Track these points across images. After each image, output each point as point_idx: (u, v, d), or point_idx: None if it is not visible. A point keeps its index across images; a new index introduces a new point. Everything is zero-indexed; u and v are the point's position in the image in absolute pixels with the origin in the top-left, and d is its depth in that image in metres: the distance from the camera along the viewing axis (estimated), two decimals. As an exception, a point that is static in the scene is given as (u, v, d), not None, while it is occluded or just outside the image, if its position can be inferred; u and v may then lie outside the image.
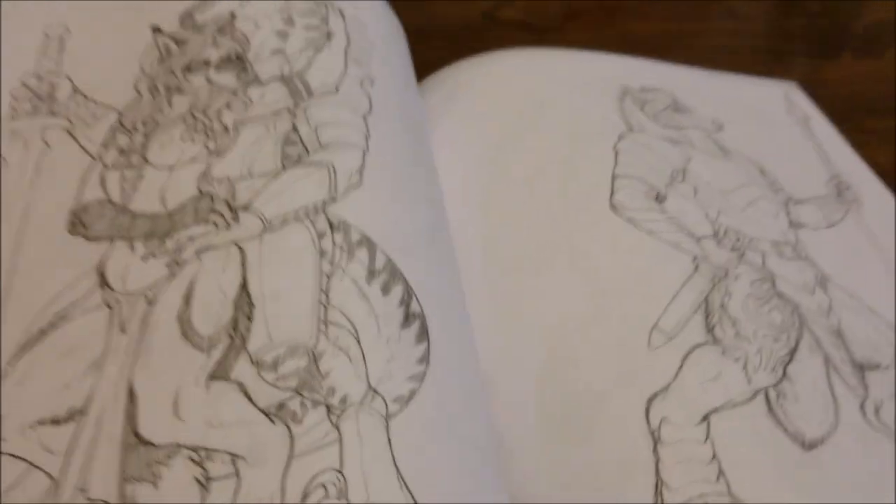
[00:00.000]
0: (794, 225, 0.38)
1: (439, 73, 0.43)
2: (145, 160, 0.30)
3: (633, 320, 0.32)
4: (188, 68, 0.33)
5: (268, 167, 0.30)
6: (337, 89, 0.34)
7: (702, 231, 0.36)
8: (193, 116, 0.31)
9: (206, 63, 0.33)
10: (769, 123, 0.45)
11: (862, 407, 0.30)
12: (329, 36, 0.36)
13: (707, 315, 0.32)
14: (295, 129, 0.31)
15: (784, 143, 0.44)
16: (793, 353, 0.31)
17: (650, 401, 0.29)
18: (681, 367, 0.30)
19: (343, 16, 0.37)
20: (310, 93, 0.33)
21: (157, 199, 0.29)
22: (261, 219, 0.28)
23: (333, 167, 0.30)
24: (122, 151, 0.31)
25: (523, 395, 0.30)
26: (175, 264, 0.27)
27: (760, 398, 0.29)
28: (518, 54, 0.44)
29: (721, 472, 0.27)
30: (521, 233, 0.35)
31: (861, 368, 0.32)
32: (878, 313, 0.34)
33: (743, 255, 0.35)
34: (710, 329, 0.31)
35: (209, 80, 0.33)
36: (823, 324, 0.33)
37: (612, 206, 0.36)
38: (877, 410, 0.30)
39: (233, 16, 0.35)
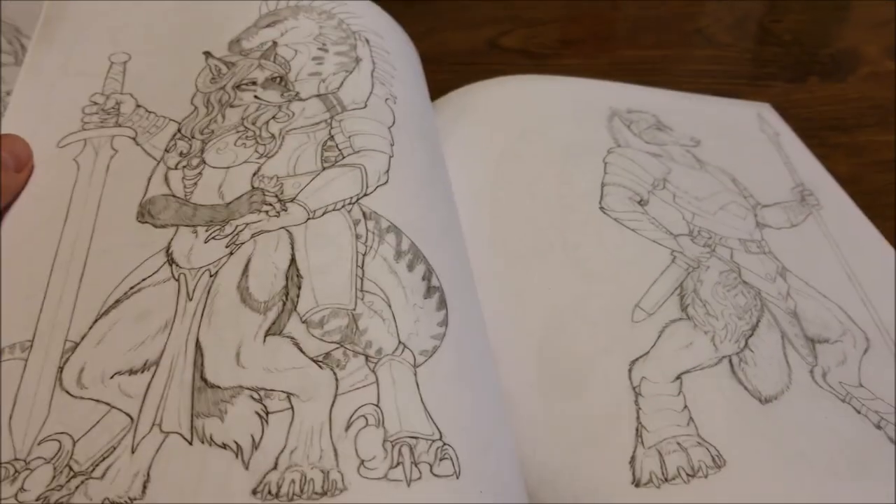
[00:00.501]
0: (760, 225, 0.43)
1: (449, 94, 0.49)
2: (204, 162, 0.35)
3: (618, 300, 0.37)
4: (238, 87, 0.39)
5: (310, 167, 0.35)
6: (366, 105, 0.39)
7: (679, 230, 0.41)
8: (245, 126, 0.37)
9: (254, 82, 0.39)
10: (742, 139, 0.51)
11: (811, 372, 0.35)
12: (357, 61, 0.41)
13: (682, 297, 0.37)
14: (332, 137, 0.36)
15: (755, 156, 0.50)
16: (754, 328, 0.36)
17: (632, 363, 0.34)
18: (658, 337, 0.35)
19: (369, 44, 0.43)
20: (343, 108, 0.38)
21: (216, 193, 0.34)
22: (305, 209, 0.33)
23: (365, 168, 0.35)
24: (182, 155, 0.36)
25: (525, 360, 0.34)
26: (234, 245, 0.32)
27: (725, 363, 0.34)
28: (519, 80, 0.50)
29: (691, 419, 0.32)
30: (522, 230, 0.40)
31: (812, 342, 0.37)
32: (830, 298, 0.39)
33: (714, 249, 0.40)
34: (684, 308, 0.36)
35: (257, 97, 0.38)
36: (781, 306, 0.38)
37: (601, 208, 0.41)
38: (824, 375, 0.35)
39: (275, 44, 0.41)
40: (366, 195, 0.34)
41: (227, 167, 0.35)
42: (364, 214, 0.33)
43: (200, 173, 0.35)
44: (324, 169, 0.35)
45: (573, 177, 0.43)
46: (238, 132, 0.36)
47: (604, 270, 0.38)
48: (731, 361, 0.35)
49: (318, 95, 0.39)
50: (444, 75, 0.53)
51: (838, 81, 0.61)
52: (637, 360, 0.34)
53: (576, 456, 0.31)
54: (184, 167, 0.35)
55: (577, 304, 0.36)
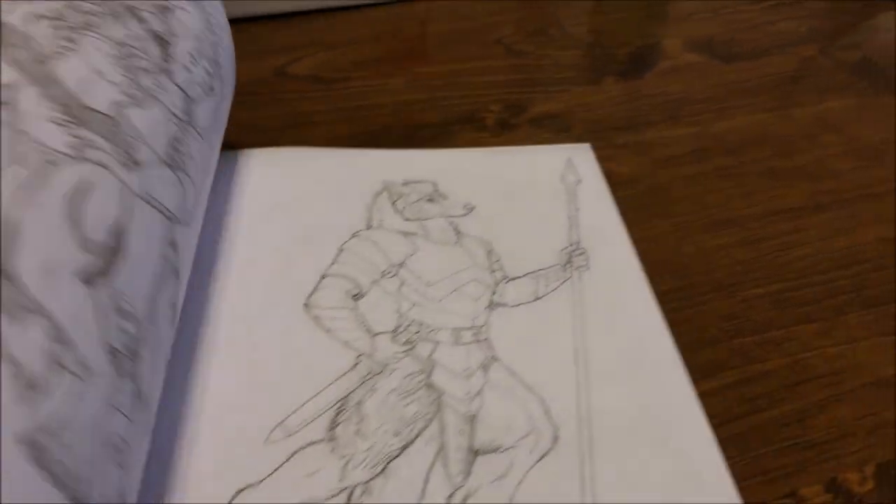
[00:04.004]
0: (494, 305, 0.37)
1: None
2: None
3: (263, 416, 0.31)
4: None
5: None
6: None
7: (382, 327, 0.35)
8: None
9: None
10: (531, 196, 0.44)
11: (450, 497, 0.29)
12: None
13: (338, 413, 0.32)
14: None
15: (538, 214, 0.43)
16: (406, 447, 0.31)
17: (239, 492, 0.29)
18: (284, 463, 0.30)
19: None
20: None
21: None
22: None
23: None
24: None
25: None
26: None
27: (343, 496, 0.29)
28: (289, 153, 0.45)
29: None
30: (215, 319, 0.35)
31: (475, 455, 0.31)
32: (534, 390, 0.33)
33: (413, 347, 0.34)
34: (333, 427, 0.31)
35: None
36: (462, 409, 0.32)
37: (305, 305, 0.36)
38: (466, 497, 0.29)
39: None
40: None
41: None
42: None
43: None
44: None
45: (294, 264, 0.38)
46: None
47: (266, 378, 0.33)
48: (351, 493, 0.29)
49: None
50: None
51: (635, 79, 0.55)
52: (243, 490, 0.29)
53: None
54: None
55: (217, 418, 0.32)
